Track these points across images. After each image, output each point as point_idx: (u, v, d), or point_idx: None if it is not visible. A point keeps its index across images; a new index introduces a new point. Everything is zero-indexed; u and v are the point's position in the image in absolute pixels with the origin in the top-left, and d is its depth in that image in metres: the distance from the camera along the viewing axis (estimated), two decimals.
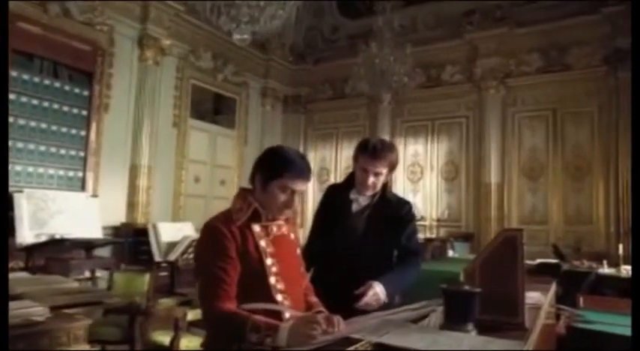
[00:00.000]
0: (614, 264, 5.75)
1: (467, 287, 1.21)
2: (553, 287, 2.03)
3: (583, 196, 8.30)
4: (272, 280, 1.62)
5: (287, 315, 1.60)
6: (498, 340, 1.09)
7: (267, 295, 1.61)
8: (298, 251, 1.83)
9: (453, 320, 1.18)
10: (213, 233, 1.61)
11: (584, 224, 8.22)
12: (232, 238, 1.60)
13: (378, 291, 1.95)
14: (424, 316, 1.36)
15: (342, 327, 1.42)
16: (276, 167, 1.65)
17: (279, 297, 1.62)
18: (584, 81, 8.37)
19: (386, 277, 2.03)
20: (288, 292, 1.65)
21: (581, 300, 3.12)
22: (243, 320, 1.45)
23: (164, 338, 3.26)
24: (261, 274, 1.61)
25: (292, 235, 1.82)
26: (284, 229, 1.76)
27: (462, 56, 9.49)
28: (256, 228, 1.67)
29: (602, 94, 8.20)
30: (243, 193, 1.74)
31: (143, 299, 3.86)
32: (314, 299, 1.81)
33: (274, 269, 1.63)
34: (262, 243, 1.65)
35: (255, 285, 1.60)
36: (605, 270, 5.54)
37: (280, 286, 1.63)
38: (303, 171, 1.66)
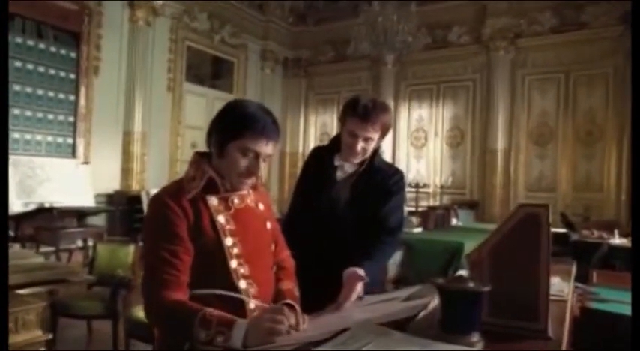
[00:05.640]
0: (624, 234, 5.48)
1: (472, 284, 0.91)
2: (574, 269, 1.75)
3: (594, 163, 8.00)
4: (233, 263, 1.34)
5: (252, 305, 1.34)
6: None
7: (228, 281, 1.33)
8: (269, 225, 1.53)
9: (453, 328, 0.89)
10: (160, 209, 1.33)
11: (594, 192, 7.95)
12: (183, 214, 1.31)
13: (359, 289, 1.66)
14: (415, 314, 1.08)
15: (307, 327, 1.16)
16: (235, 125, 1.35)
17: (242, 284, 1.35)
18: (599, 41, 7.95)
19: (366, 266, 1.72)
20: (254, 277, 1.37)
21: (594, 275, 2.86)
22: (191, 313, 1.19)
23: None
24: (219, 256, 1.33)
25: (261, 206, 1.52)
26: (248, 201, 1.47)
27: (470, 16, 9.04)
28: (213, 201, 1.38)
29: (618, 55, 7.77)
30: (196, 158, 1.45)
31: (128, 272, 3.64)
32: (287, 286, 1.51)
33: (236, 250, 1.35)
34: (220, 219, 1.36)
35: (213, 270, 1.33)
36: (617, 240, 5.27)
37: (243, 270, 1.36)
38: (266, 129, 1.34)
